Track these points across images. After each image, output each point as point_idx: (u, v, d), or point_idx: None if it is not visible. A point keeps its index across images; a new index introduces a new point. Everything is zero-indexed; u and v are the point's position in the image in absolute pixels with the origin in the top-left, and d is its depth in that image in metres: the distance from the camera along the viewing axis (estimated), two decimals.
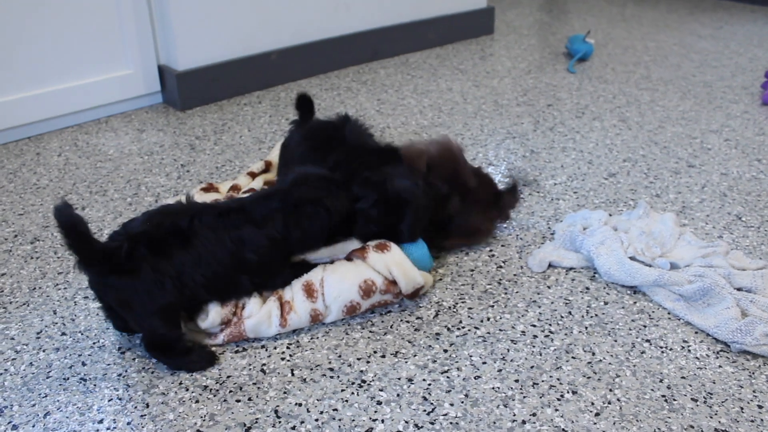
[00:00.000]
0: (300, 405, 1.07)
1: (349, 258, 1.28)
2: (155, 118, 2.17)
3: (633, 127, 2.07)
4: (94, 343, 1.21)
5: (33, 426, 1.04)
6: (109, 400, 1.08)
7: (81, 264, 1.09)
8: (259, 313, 1.20)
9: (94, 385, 1.11)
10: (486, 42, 2.95)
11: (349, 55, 2.61)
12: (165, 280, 1.10)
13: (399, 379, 1.12)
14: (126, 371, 1.14)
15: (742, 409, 1.06)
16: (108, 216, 1.61)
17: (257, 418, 1.05)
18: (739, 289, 1.29)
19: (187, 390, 1.10)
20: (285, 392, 1.10)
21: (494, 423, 1.03)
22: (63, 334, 1.23)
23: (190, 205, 1.19)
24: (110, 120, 2.16)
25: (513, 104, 2.25)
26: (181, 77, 2.19)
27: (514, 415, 1.05)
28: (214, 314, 1.18)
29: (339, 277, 1.23)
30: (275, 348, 1.19)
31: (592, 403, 1.07)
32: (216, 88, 2.29)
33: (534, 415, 1.05)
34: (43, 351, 1.19)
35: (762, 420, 1.04)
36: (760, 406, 1.06)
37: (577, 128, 2.07)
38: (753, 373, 1.13)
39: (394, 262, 1.23)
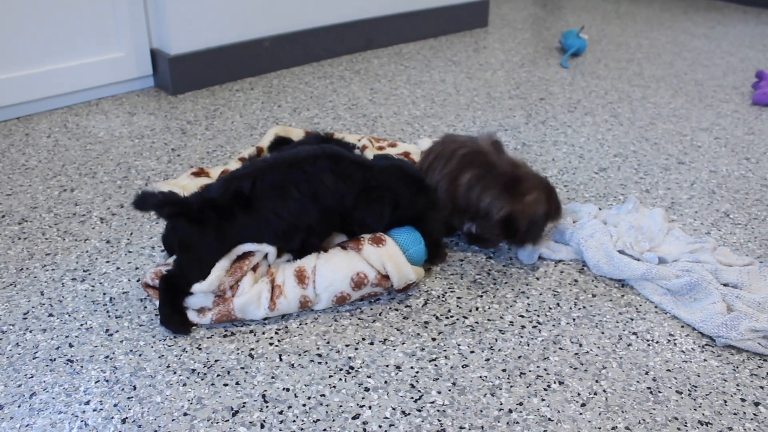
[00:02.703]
0: (288, 390, 1.07)
1: (343, 246, 1.28)
2: (146, 102, 2.15)
3: (624, 123, 2.08)
4: (81, 325, 1.20)
5: (19, 406, 1.03)
6: (96, 382, 1.08)
7: (157, 207, 1.18)
8: (249, 293, 1.19)
9: (81, 366, 1.11)
10: (480, 35, 2.95)
11: (342, 44, 2.60)
12: (225, 241, 1.20)
13: (387, 366, 1.12)
14: (113, 353, 1.14)
15: (725, 402, 1.07)
16: (97, 198, 1.60)
17: (245, 402, 1.05)
18: (725, 285, 1.30)
19: (175, 373, 1.10)
20: (273, 377, 1.10)
21: (481, 411, 1.04)
22: (50, 315, 1.22)
23: (253, 167, 1.26)
24: (101, 102, 2.14)
25: (505, 97, 2.25)
26: (173, 61, 2.17)
27: (501, 403, 1.05)
28: (214, 278, 1.18)
29: (332, 268, 1.22)
30: (263, 333, 1.19)
31: (579, 394, 1.08)
32: (208, 73, 2.27)
33: (521, 404, 1.06)
34: (30, 332, 1.18)
35: (745, 413, 1.05)
36: (743, 400, 1.07)
37: (568, 122, 2.07)
38: (737, 367, 1.14)
39: (389, 257, 1.23)
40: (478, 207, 1.34)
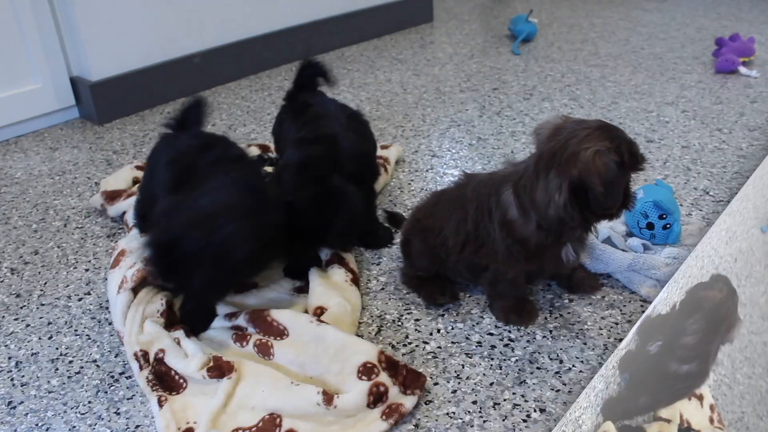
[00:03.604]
0: None
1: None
2: (70, 135, 1.99)
3: (585, 105, 1.98)
4: None
5: None
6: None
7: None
8: None
9: None
10: (426, 30, 2.83)
11: (279, 53, 2.45)
12: None
13: None
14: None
15: None
16: (9, 246, 1.43)
17: None
18: None
19: None
20: None
21: None
22: None
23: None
24: (20, 140, 1.97)
25: (456, 91, 2.12)
26: (95, 88, 2.02)
27: None
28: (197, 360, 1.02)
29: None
30: None
31: None
32: (136, 98, 2.12)
33: None
34: None
35: None
36: None
37: (525, 111, 1.95)
38: None
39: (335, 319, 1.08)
40: (542, 213, 1.00)
